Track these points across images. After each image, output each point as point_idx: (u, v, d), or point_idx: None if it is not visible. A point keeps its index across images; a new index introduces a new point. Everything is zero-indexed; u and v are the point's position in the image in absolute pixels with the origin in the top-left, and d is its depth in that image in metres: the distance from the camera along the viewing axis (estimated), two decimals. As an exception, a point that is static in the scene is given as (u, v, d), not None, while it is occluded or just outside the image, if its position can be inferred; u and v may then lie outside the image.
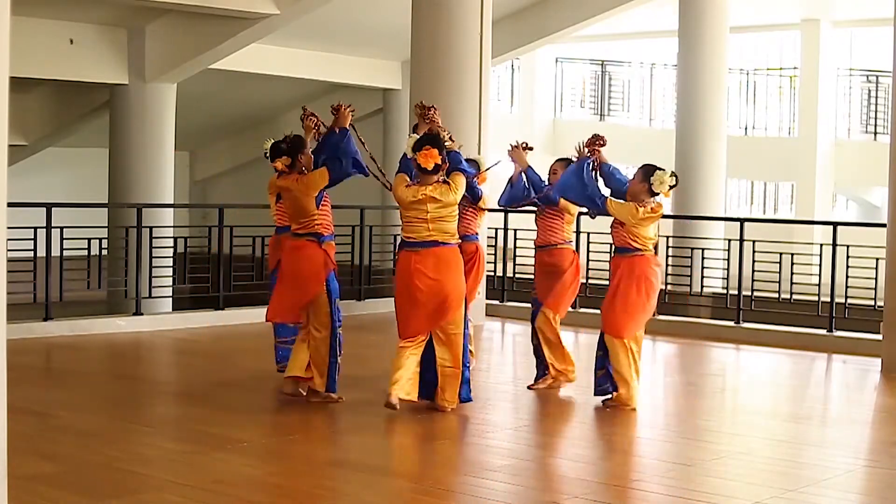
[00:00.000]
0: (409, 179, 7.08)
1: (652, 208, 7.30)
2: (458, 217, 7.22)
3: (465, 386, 7.24)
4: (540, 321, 8.10)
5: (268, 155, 7.80)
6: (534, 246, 8.34)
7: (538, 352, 8.14)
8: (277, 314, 7.70)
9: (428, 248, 7.02)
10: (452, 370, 7.16)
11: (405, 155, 7.19)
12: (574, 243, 8.35)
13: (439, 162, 6.97)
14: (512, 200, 8.33)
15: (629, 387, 7.36)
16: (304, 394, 7.51)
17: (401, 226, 7.22)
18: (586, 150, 7.61)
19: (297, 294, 7.45)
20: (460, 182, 7.13)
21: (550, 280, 8.11)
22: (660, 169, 7.31)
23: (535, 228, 8.34)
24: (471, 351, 8.90)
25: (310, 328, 7.43)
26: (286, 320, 7.83)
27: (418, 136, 7.20)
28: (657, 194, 7.30)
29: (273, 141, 7.76)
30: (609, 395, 7.49)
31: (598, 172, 7.62)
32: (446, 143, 7.50)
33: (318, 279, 7.39)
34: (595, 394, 7.57)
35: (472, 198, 8.46)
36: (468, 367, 7.29)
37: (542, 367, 8.13)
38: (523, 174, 8.19)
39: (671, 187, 7.27)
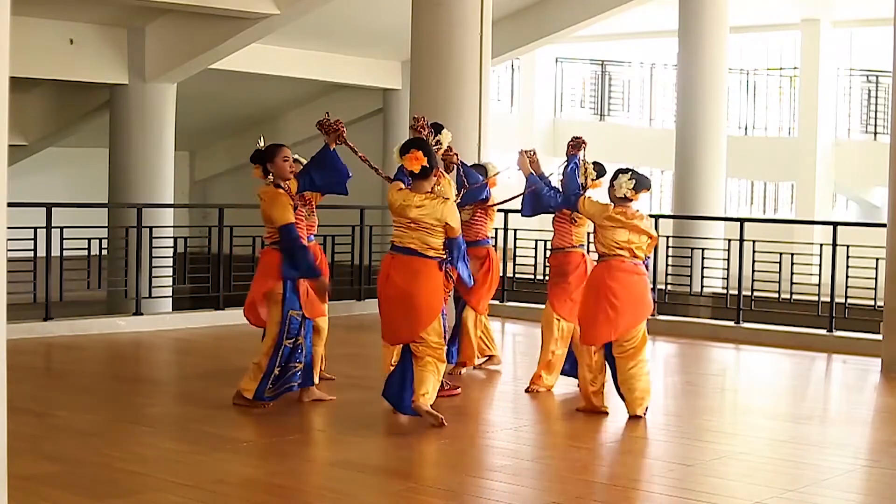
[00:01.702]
0: (403, 186, 7.05)
1: (619, 213, 7.20)
2: (442, 229, 6.92)
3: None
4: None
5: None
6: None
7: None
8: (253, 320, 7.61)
9: (404, 255, 6.87)
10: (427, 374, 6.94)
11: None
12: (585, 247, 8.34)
13: (425, 164, 6.81)
14: (537, 210, 8.25)
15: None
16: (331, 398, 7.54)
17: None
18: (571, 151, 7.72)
19: (257, 298, 7.42)
20: (452, 210, 6.87)
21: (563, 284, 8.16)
22: (622, 172, 7.26)
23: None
24: (481, 352, 8.96)
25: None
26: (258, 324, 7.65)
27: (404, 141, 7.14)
28: (623, 198, 7.20)
29: (261, 143, 7.78)
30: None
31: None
32: (446, 152, 7.54)
33: (269, 287, 7.29)
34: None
35: (482, 200, 8.48)
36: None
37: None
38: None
39: (631, 189, 7.16)
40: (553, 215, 8.22)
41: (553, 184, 8.02)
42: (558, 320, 8.08)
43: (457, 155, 8.51)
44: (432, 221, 6.80)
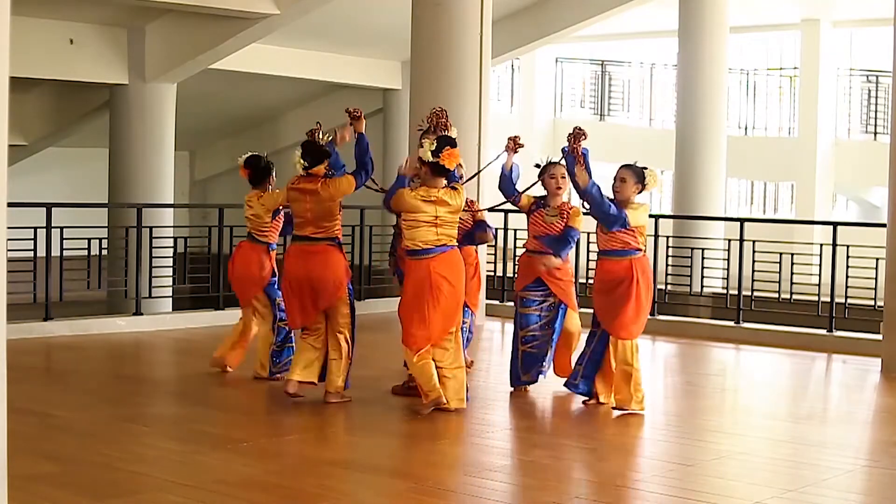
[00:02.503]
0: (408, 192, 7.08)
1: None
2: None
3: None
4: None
5: (267, 165, 7.82)
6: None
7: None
8: (304, 320, 7.54)
9: (442, 252, 6.98)
10: (457, 370, 7.18)
11: (399, 178, 7.18)
12: None
13: (460, 161, 7.02)
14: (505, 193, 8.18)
15: (639, 390, 7.34)
16: (301, 395, 7.49)
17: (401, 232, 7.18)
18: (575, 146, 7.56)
19: (321, 299, 7.40)
20: (462, 190, 7.19)
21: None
22: (644, 168, 7.39)
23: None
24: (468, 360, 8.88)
25: (333, 333, 7.46)
26: (308, 324, 7.61)
27: (433, 140, 7.08)
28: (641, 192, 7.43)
29: (258, 154, 7.76)
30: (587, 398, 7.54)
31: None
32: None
33: (343, 284, 7.43)
34: (579, 392, 7.58)
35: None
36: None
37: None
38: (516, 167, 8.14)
39: None
40: (530, 213, 8.07)
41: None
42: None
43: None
44: (454, 214, 7.01)
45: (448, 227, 7.04)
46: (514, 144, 7.82)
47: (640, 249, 7.35)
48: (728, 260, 11.99)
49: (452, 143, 7.02)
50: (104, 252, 11.54)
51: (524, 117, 23.70)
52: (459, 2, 11.17)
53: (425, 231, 6.96)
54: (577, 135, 7.41)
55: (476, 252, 8.77)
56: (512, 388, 8.07)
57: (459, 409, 7.16)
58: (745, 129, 21.75)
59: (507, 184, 7.92)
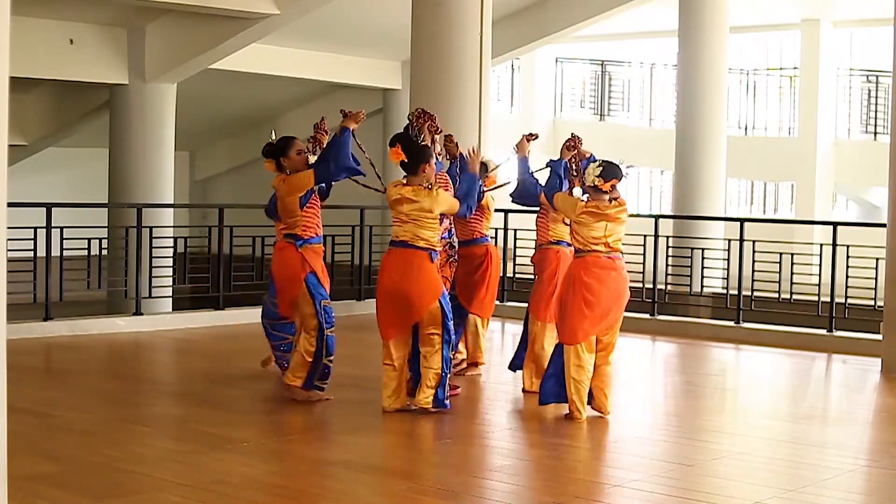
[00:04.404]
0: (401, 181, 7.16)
1: (592, 206, 6.99)
2: (438, 225, 7.13)
3: (440, 389, 7.11)
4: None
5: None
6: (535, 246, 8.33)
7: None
8: (284, 311, 7.81)
9: (397, 247, 7.05)
10: (433, 371, 7.11)
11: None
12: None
13: (405, 159, 6.97)
14: (522, 197, 8.24)
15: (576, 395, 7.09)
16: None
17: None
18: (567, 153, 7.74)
19: (282, 294, 7.59)
20: (443, 197, 7.06)
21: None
22: (592, 162, 7.09)
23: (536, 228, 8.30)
24: (461, 356, 8.86)
25: (300, 330, 7.48)
26: (289, 316, 7.85)
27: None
28: (598, 189, 6.94)
29: (274, 136, 7.75)
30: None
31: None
32: (447, 141, 7.52)
33: (297, 281, 7.38)
34: (540, 403, 7.28)
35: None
36: (447, 372, 7.17)
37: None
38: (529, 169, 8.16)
39: (598, 177, 6.90)
40: (536, 212, 8.23)
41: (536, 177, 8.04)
42: (533, 322, 8.10)
43: (457, 145, 8.54)
44: (422, 213, 6.96)
45: (416, 226, 6.97)
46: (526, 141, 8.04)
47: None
48: (728, 260, 11.99)
49: (400, 139, 7.06)
50: (104, 252, 11.54)
51: (524, 117, 23.68)
52: (459, 2, 11.16)
53: (398, 225, 7.08)
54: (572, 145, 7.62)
55: (488, 251, 8.71)
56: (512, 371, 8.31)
57: (452, 409, 7.15)
58: (745, 129, 21.75)
59: (529, 181, 8.01)
